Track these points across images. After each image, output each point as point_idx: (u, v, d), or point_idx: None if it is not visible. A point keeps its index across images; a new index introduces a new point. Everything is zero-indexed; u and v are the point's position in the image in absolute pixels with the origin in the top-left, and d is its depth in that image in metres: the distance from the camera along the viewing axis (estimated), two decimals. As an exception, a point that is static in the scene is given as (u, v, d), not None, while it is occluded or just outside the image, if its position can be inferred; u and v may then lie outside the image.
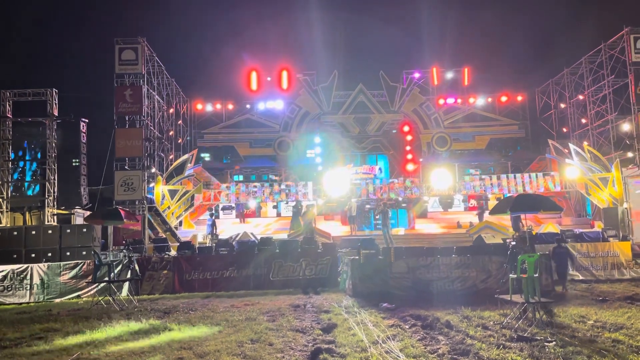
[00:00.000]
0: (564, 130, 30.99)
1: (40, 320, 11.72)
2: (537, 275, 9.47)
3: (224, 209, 28.73)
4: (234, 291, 15.67)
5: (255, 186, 26.99)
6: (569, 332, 9.05)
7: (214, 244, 18.33)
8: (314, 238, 17.96)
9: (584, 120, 28.89)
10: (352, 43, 36.39)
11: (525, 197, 15.20)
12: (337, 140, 32.09)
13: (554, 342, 8.16)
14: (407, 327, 9.79)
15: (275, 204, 29.30)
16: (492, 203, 28.57)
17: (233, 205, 28.25)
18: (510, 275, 10.12)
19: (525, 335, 8.65)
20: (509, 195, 25.04)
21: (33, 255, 17.22)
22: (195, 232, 24.14)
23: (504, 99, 33.66)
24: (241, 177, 32.43)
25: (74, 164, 23.36)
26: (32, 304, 15.28)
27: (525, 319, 9.65)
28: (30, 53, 37.81)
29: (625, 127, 24.62)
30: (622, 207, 21.94)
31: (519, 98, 33.88)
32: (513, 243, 11.88)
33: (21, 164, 23.65)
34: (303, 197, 26.16)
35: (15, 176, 23.47)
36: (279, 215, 29.29)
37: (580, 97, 28.90)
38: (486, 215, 25.39)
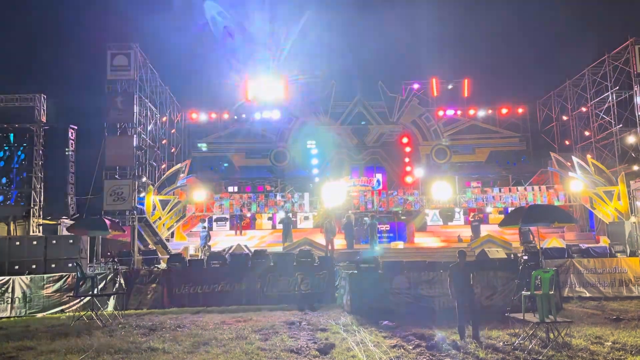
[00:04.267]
0: (567, 142, 30.39)
1: (16, 337, 11.02)
2: (552, 292, 8.76)
3: (217, 220, 27.91)
4: (225, 306, 15.07)
5: (250, 197, 26.23)
6: (587, 355, 8.34)
7: (206, 257, 17.61)
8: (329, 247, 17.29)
9: (587, 133, 28.28)
10: (351, 53, 35.79)
11: (538, 208, 14.45)
12: (334, 151, 31.42)
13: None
14: (410, 347, 9.10)
15: (270, 215, 28.53)
16: (493, 217, 27.89)
17: (227, 216, 27.45)
18: (523, 292, 9.39)
19: (541, 358, 7.93)
20: (512, 208, 24.37)
21: (17, 267, 16.46)
22: (187, 244, 23.34)
23: (504, 111, 33.10)
24: (236, 188, 31.61)
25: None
26: (12, 319, 14.64)
27: (539, 339, 8.94)
28: (18, 57, 37.10)
29: (630, 139, 24.01)
30: (628, 222, 21.22)
31: (520, 110, 33.33)
32: (525, 257, 11.16)
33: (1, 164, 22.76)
34: (299, 209, 25.47)
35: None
36: (274, 227, 28.50)
37: (583, 109, 28.32)
38: (483, 228, 24.64)
